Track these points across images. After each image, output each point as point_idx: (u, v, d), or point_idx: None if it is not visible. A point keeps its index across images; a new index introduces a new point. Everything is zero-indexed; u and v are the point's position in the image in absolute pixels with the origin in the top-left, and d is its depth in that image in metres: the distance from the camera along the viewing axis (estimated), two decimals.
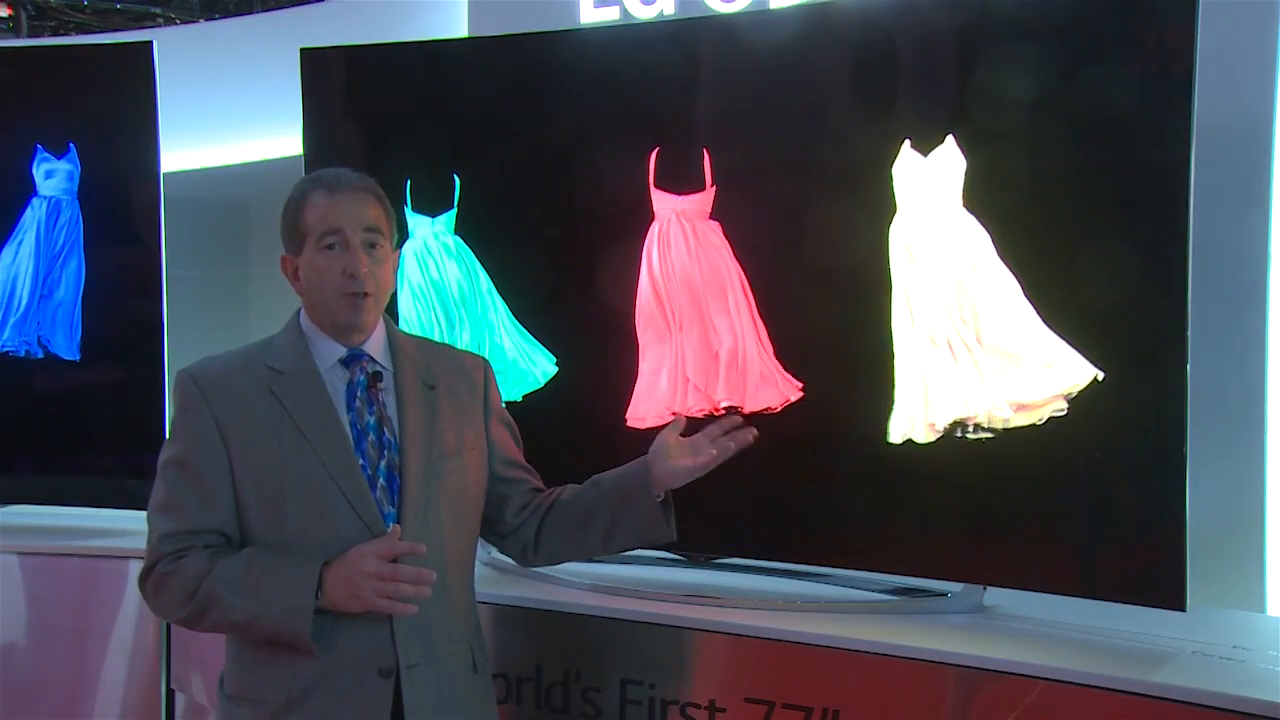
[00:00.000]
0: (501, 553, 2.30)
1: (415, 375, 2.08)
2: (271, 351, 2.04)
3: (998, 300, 2.51)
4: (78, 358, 3.63)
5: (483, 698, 2.13)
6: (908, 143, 2.56)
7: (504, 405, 2.26)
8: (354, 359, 2.04)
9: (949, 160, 2.53)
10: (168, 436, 2.03)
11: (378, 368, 2.05)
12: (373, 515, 1.97)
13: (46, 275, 3.66)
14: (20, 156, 3.65)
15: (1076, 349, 2.43)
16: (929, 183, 2.56)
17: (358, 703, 1.95)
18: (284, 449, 1.96)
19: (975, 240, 2.52)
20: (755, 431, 2.12)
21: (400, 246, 2.13)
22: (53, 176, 3.64)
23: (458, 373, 2.16)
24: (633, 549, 2.24)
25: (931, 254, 2.57)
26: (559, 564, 2.27)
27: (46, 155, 3.64)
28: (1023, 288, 2.48)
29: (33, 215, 3.66)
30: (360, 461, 1.98)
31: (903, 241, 2.60)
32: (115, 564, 3.39)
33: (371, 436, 2.01)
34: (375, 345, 2.07)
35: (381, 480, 1.99)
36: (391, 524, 1.97)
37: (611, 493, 2.13)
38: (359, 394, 2.02)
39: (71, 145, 3.62)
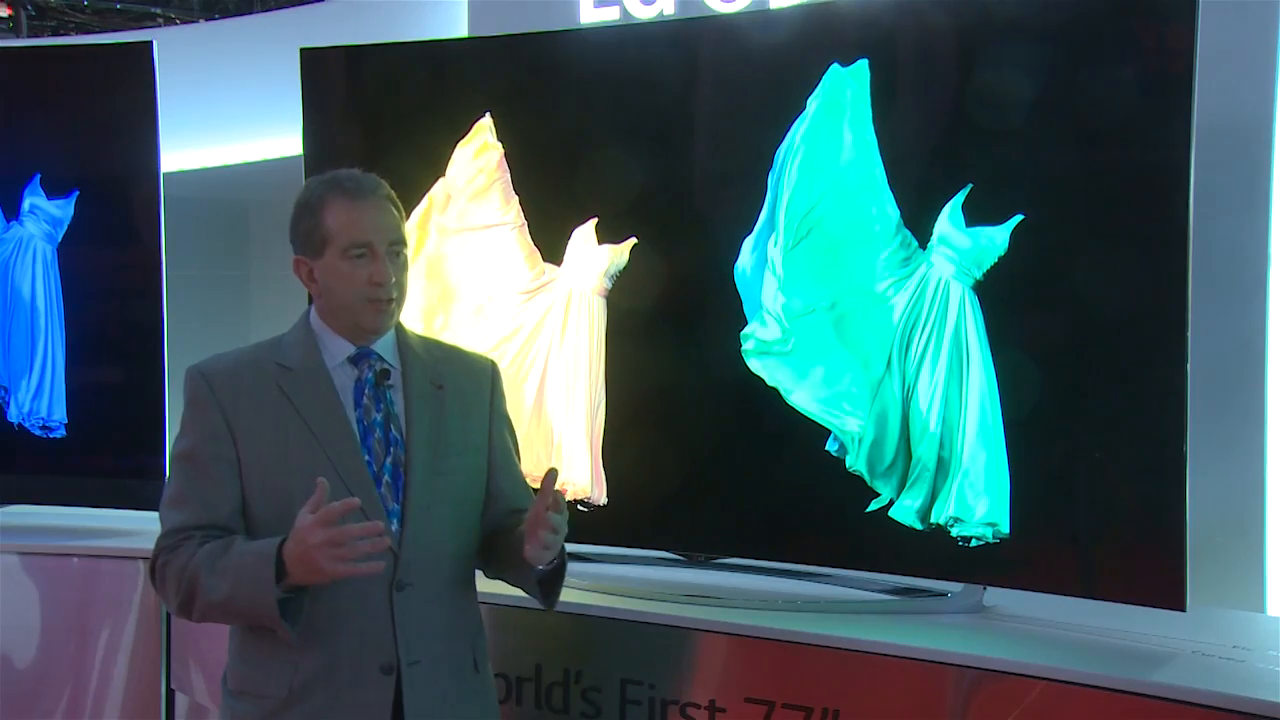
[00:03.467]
0: None
1: (423, 374, 2.08)
2: (281, 349, 2.06)
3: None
4: (65, 427, 3.61)
5: (484, 697, 2.14)
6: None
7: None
8: (362, 357, 2.05)
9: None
10: (179, 431, 2.04)
11: (385, 365, 2.06)
12: (377, 511, 1.97)
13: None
14: (18, 163, 3.66)
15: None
16: None
17: (358, 699, 1.95)
18: (290, 444, 1.97)
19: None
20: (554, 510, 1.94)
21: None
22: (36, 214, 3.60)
23: (465, 374, 2.16)
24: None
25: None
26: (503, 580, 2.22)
27: (38, 190, 3.59)
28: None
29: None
30: (366, 458, 1.99)
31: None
32: (115, 564, 3.40)
33: (378, 433, 2.02)
34: (384, 344, 2.08)
35: (386, 477, 2.00)
36: (395, 520, 1.98)
37: (517, 545, 2.04)
38: (367, 391, 2.03)
39: (75, 191, 3.59)
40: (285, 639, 1.90)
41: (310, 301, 2.10)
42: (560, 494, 1.96)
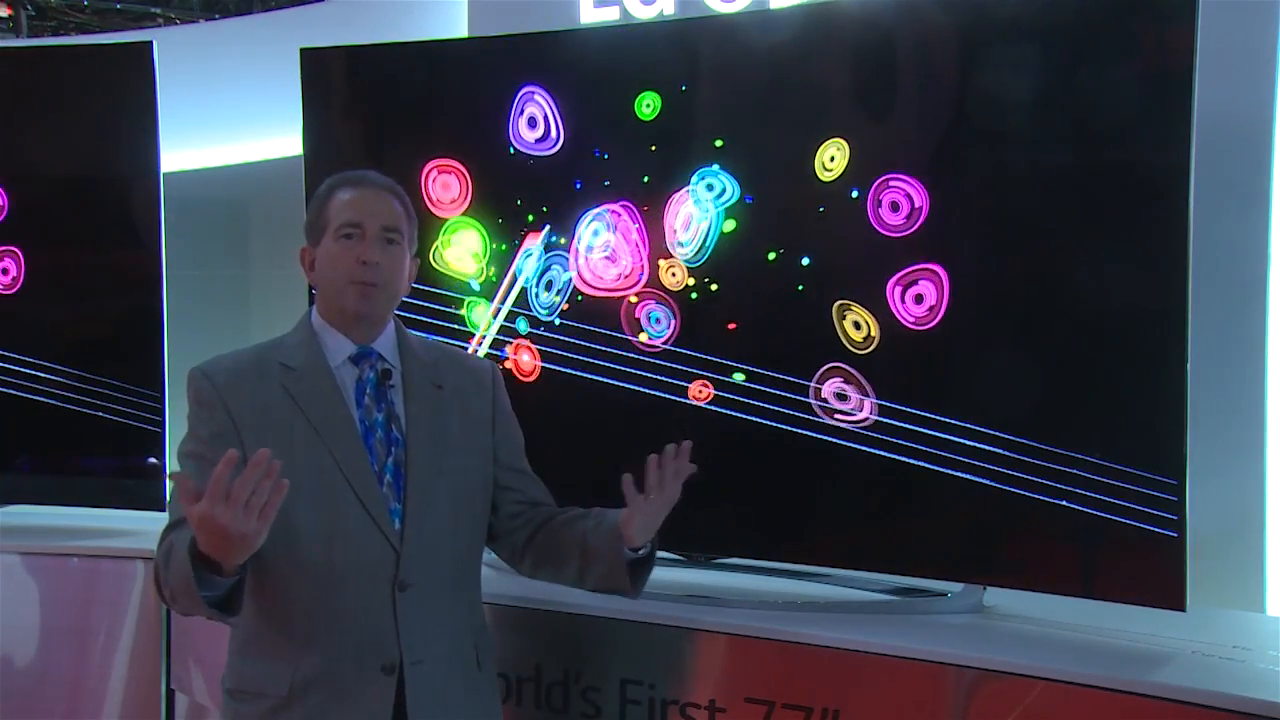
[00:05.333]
0: (495, 554, 2.29)
1: (424, 375, 2.10)
2: (283, 349, 2.07)
3: None
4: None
5: (487, 694, 2.14)
6: None
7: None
8: (364, 356, 2.06)
9: None
10: (186, 432, 2.04)
11: (387, 365, 2.07)
12: (379, 509, 1.98)
13: None
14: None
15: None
16: None
17: (360, 698, 1.95)
18: (295, 442, 1.98)
19: None
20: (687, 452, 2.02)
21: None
22: None
23: (466, 375, 2.17)
24: (604, 593, 2.14)
25: None
26: (543, 580, 2.23)
27: None
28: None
29: None
30: (368, 457, 2.00)
31: None
32: (115, 564, 3.39)
33: (379, 433, 2.03)
34: (385, 344, 2.09)
35: (388, 476, 2.02)
36: (397, 519, 1.98)
37: (594, 531, 2.09)
38: (368, 391, 2.05)
39: None
40: (227, 623, 1.89)
41: (311, 303, 2.11)
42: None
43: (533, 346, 3.00)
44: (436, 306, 3.09)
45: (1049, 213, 2.49)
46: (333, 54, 3.28)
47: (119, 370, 3.61)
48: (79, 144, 3.65)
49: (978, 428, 2.53)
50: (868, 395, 2.62)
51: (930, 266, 2.56)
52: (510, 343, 3.03)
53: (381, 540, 1.98)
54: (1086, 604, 2.51)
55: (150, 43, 3.58)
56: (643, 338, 2.88)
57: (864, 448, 2.65)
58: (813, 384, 2.70)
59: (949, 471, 2.56)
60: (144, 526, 3.43)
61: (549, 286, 2.98)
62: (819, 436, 2.69)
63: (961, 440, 2.55)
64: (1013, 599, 2.66)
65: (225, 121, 4.42)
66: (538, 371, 3.00)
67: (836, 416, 2.67)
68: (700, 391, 2.81)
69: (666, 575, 2.92)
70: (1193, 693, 2.15)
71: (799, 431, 2.71)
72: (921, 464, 2.59)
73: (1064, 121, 2.49)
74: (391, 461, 2.02)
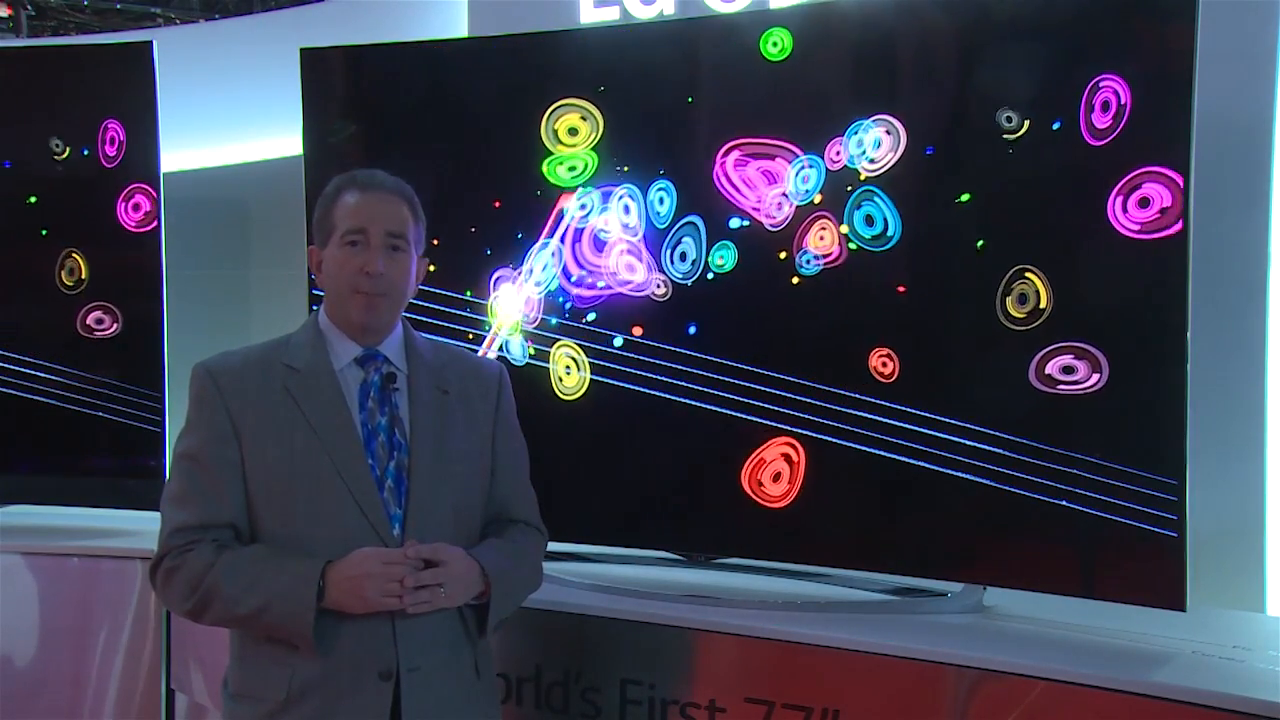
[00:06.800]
0: None
1: (429, 378, 2.09)
2: (289, 349, 2.06)
3: None
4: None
5: (485, 703, 2.13)
6: None
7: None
8: (369, 359, 2.05)
9: None
10: (183, 428, 2.04)
11: (392, 369, 2.06)
12: (379, 515, 1.98)
13: None
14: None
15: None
16: None
17: (356, 704, 1.95)
18: (295, 446, 1.97)
19: None
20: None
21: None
22: None
23: (472, 379, 2.16)
24: None
25: None
26: None
27: None
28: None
29: None
30: (369, 461, 1.99)
31: None
32: (115, 564, 3.40)
33: (382, 437, 2.02)
34: (391, 346, 2.08)
35: (390, 481, 2.01)
36: (397, 525, 1.98)
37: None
38: (372, 394, 2.04)
39: None
40: (309, 655, 1.92)
41: (311, 305, 2.10)
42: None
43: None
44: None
45: (1050, 213, 2.49)
46: (333, 54, 3.28)
47: (119, 370, 3.62)
48: (79, 144, 3.65)
49: (978, 428, 2.53)
50: (1100, 371, 2.44)
51: None
52: None
53: (380, 546, 1.97)
54: (1086, 604, 2.51)
55: (150, 43, 3.59)
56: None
57: (866, 448, 2.65)
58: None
59: (949, 471, 2.56)
60: (144, 526, 3.43)
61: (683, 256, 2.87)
62: (822, 438, 2.70)
63: (961, 440, 2.55)
64: (1013, 599, 2.66)
65: (225, 121, 4.42)
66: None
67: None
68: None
69: (666, 575, 2.93)
70: (1193, 693, 2.15)
71: (804, 433, 2.72)
72: (921, 464, 2.59)
73: (1065, 121, 2.48)
74: (393, 466, 2.01)
